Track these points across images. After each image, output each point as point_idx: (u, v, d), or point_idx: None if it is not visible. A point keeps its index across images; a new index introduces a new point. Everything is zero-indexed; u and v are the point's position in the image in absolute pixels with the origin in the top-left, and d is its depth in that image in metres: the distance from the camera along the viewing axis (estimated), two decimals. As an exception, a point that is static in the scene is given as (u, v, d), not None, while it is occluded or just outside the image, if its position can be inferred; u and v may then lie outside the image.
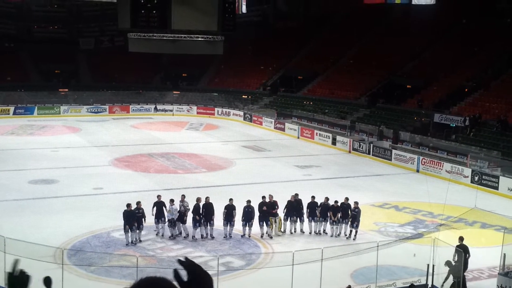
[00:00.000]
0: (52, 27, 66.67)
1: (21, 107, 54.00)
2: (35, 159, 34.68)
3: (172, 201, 21.23)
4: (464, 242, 17.80)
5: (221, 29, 46.75)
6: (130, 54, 55.15)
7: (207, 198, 21.62)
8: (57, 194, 26.97)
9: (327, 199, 22.42)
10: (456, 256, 17.30)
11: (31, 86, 56.94)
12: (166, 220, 21.18)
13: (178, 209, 21.19)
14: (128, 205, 20.65)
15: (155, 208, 21.12)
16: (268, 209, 21.71)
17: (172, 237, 21.14)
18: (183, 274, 2.47)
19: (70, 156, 35.88)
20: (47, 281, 5.45)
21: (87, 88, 58.52)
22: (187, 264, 2.50)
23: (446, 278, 17.46)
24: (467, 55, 45.49)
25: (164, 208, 21.22)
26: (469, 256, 17.51)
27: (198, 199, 21.46)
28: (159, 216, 21.18)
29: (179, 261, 2.52)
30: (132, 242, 20.49)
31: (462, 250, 17.14)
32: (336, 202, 22.24)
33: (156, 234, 21.37)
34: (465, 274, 17.21)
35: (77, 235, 21.20)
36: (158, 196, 21.61)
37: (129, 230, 20.39)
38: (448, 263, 17.13)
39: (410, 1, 42.93)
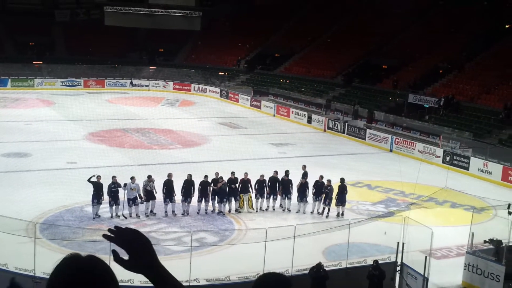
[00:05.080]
0: (26, -2, 65.36)
1: (-6, 79, 53.20)
2: (8, 132, 34.30)
3: (132, 178, 20.79)
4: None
5: (199, 4, 46.53)
6: (106, 28, 54.72)
7: (189, 175, 21.65)
8: (30, 168, 26.78)
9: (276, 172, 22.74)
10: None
11: (4, 58, 55.94)
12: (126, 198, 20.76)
13: (144, 188, 21.00)
14: (98, 177, 20.65)
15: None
16: (239, 186, 21.91)
17: (137, 216, 20.86)
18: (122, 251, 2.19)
19: (43, 130, 35.54)
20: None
21: (62, 61, 57.72)
22: (115, 236, 2.19)
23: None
24: (443, 37, 45.80)
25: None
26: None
27: (169, 175, 21.52)
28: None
29: (105, 236, 2.18)
30: (96, 214, 20.56)
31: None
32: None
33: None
34: (432, 251, 17.56)
35: (50, 209, 21.13)
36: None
37: (97, 203, 20.46)
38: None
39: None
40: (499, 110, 35.47)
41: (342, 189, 22.14)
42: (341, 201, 22.10)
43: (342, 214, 22.16)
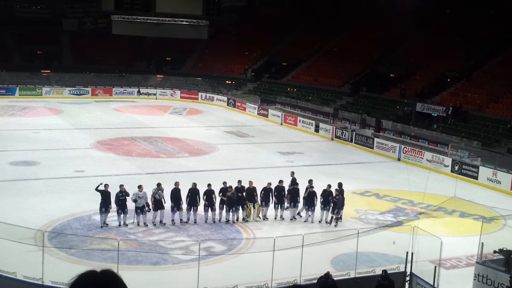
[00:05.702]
0: (35, 7, 65.79)
1: (2, 87, 53.41)
2: (16, 140, 34.39)
3: (140, 186, 20.79)
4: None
5: (206, 13, 46.60)
6: (114, 37, 54.88)
7: (194, 184, 21.62)
8: (38, 176, 26.81)
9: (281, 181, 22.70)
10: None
11: (12, 66, 56.28)
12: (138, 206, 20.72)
13: (153, 196, 20.94)
14: (105, 185, 20.66)
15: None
16: (246, 195, 21.86)
17: (144, 225, 20.82)
18: None
19: (51, 138, 35.64)
20: None
21: (69, 70, 58.00)
22: None
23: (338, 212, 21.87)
24: (450, 45, 45.72)
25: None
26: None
27: (176, 183, 21.48)
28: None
29: None
30: (104, 222, 20.54)
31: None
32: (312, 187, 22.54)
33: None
34: (442, 261, 17.44)
35: (58, 217, 21.14)
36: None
37: (105, 211, 20.44)
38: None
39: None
40: (507, 119, 35.31)
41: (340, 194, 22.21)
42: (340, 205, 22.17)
43: (340, 218, 22.17)
